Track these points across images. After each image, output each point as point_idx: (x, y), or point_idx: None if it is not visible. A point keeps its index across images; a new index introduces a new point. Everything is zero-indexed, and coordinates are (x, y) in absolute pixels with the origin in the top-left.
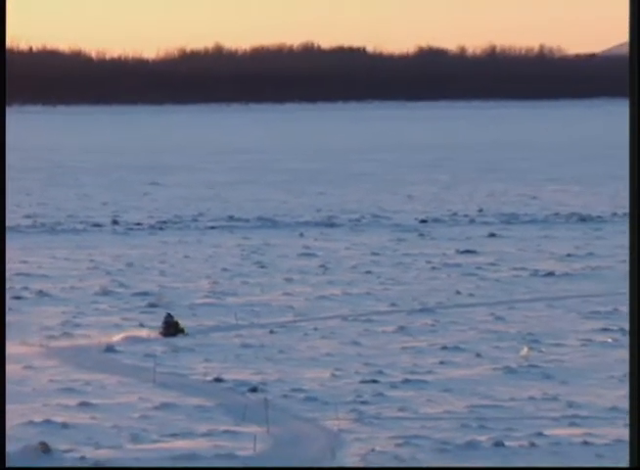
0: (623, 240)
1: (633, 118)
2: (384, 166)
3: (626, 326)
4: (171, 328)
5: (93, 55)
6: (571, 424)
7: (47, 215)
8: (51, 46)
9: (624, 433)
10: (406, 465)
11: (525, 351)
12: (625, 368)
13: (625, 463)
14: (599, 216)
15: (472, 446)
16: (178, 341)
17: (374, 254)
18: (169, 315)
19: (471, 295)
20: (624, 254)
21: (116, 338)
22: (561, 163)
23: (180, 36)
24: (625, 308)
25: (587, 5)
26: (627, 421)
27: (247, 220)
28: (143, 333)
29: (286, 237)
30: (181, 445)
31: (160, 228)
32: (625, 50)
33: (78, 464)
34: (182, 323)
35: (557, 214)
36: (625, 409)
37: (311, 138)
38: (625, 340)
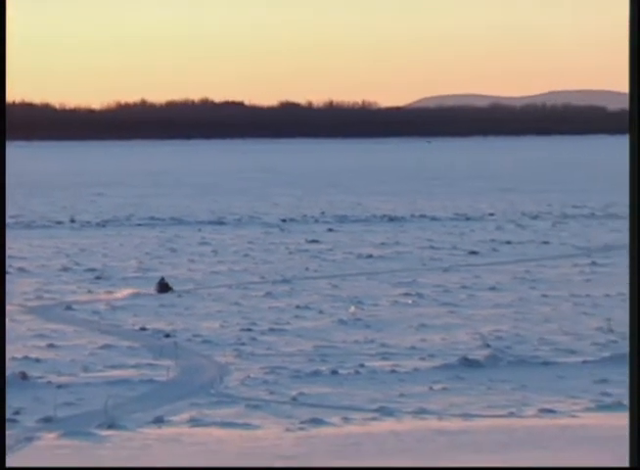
0: (419, 233)
1: (633, 124)
2: (257, 183)
3: (422, 291)
4: (163, 287)
5: (57, 106)
6: (383, 358)
7: (25, 216)
8: (27, 99)
9: (420, 364)
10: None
11: (352, 309)
12: (420, 320)
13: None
14: (402, 217)
15: (316, 373)
16: (117, 301)
17: (250, 242)
18: (163, 278)
19: (315, 271)
20: (420, 242)
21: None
22: (380, 181)
23: (116, 92)
24: (421, 279)
25: (396, 69)
26: (423, 356)
27: (163, 220)
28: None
29: (189, 231)
30: (117, 373)
31: (103, 225)
32: (422, 105)
33: (46, 387)
34: (120, 290)
35: (374, 216)
36: (421, 348)
37: (207, 163)
38: (420, 301)
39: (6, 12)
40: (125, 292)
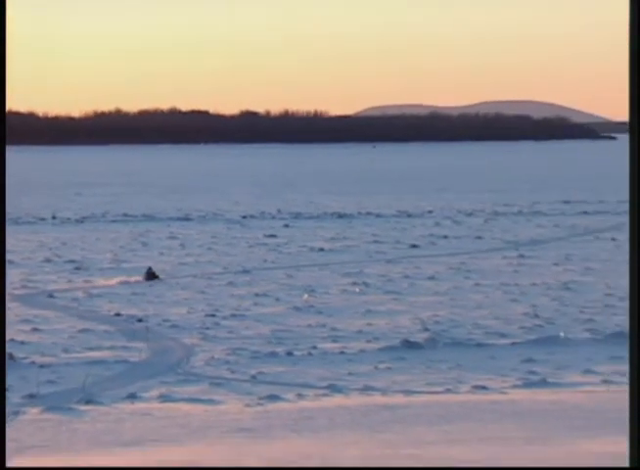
0: (366, 229)
1: (633, 125)
2: (219, 184)
3: (368, 281)
4: (151, 275)
5: (40, 114)
6: (333, 341)
7: (12, 213)
8: (14, 108)
9: (366, 346)
10: None
11: (305, 296)
12: (366, 307)
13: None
14: (351, 214)
15: (273, 354)
16: (94, 289)
17: (213, 237)
18: (150, 268)
19: (272, 262)
20: (366, 237)
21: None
22: (331, 182)
23: (93, 102)
24: (367, 270)
25: (344, 81)
26: (369, 339)
27: (135, 216)
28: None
29: (159, 227)
30: (94, 354)
31: (82, 222)
32: (368, 113)
33: (30, 367)
34: (97, 280)
35: (325, 213)
36: (367, 332)
37: (175, 166)
38: (367, 289)
39: (6, 12)
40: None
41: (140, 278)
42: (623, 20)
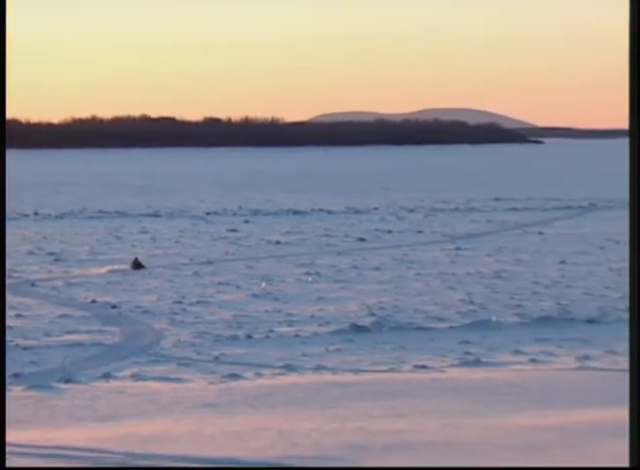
0: (318, 224)
1: (632, 125)
2: (186, 184)
3: (320, 271)
4: (137, 264)
5: (23, 120)
6: (289, 325)
7: None
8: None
9: (318, 329)
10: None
11: (263, 285)
12: (318, 294)
13: None
14: (304, 211)
15: (234, 337)
16: (72, 278)
17: (180, 231)
18: (137, 258)
19: (234, 254)
20: (318, 231)
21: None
22: (286, 182)
23: (71, 110)
24: (319, 261)
25: (298, 90)
26: (321, 323)
27: (109, 213)
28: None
29: (132, 222)
30: (73, 337)
31: (61, 218)
32: (321, 120)
33: (14, 349)
34: (77, 270)
35: (281, 210)
36: (319, 317)
37: (145, 168)
38: (318, 278)
39: (6, 12)
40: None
41: (127, 267)
42: (554, 31)
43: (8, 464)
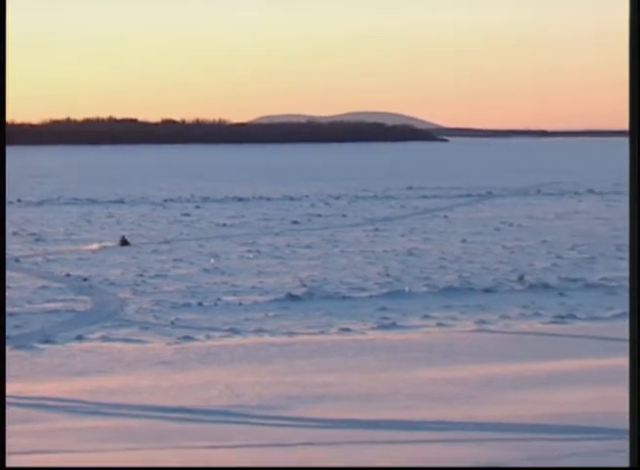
0: (258, 209)
1: (633, 123)
2: (146, 175)
3: (260, 249)
4: (124, 242)
5: (8, 121)
6: (234, 294)
7: None
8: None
9: (259, 298)
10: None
11: (212, 261)
12: (259, 269)
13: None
14: (247, 198)
15: (187, 305)
16: (50, 255)
17: (141, 216)
18: (123, 237)
19: (187, 235)
20: (259, 215)
21: (93, 247)
22: (231, 173)
23: (48, 112)
24: (259, 241)
25: (241, 94)
26: (261, 293)
27: (81, 200)
28: (109, 244)
29: (100, 208)
30: (51, 305)
31: (41, 204)
32: (260, 121)
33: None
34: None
35: (227, 197)
36: (264, 290)
37: (112, 162)
38: (259, 255)
39: (6, 12)
40: (94, 246)
41: (114, 244)
42: (464, 38)
43: (8, 464)
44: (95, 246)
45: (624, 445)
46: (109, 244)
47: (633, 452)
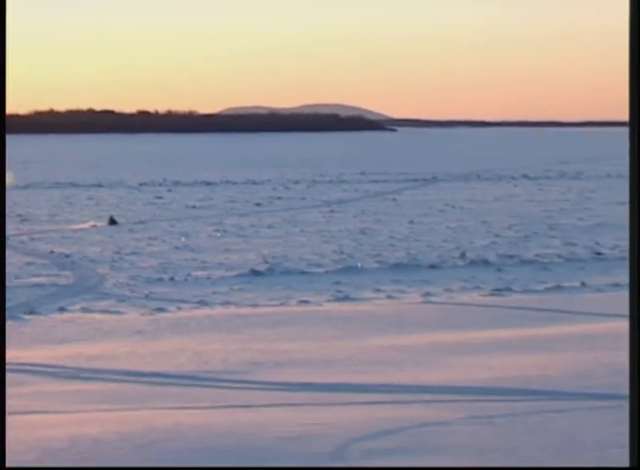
0: (225, 193)
1: (633, 121)
2: (122, 161)
3: (226, 228)
4: (112, 221)
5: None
6: (202, 270)
7: None
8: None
9: (225, 273)
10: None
11: (182, 239)
12: (225, 246)
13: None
14: (215, 182)
15: (160, 279)
16: (34, 234)
17: (119, 198)
18: (112, 216)
19: (160, 216)
20: (225, 198)
21: (102, 224)
22: (200, 160)
23: (34, 103)
24: (226, 221)
25: (210, 85)
26: (227, 268)
27: (63, 184)
28: (101, 223)
29: (81, 192)
30: (36, 280)
31: (27, 188)
32: (227, 112)
33: None
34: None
35: (196, 181)
36: (230, 266)
37: (91, 150)
38: (225, 234)
39: (6, 12)
40: (103, 222)
41: (104, 224)
42: (413, 33)
43: (8, 464)
44: (87, 225)
45: (557, 404)
46: (100, 223)
47: (633, 452)
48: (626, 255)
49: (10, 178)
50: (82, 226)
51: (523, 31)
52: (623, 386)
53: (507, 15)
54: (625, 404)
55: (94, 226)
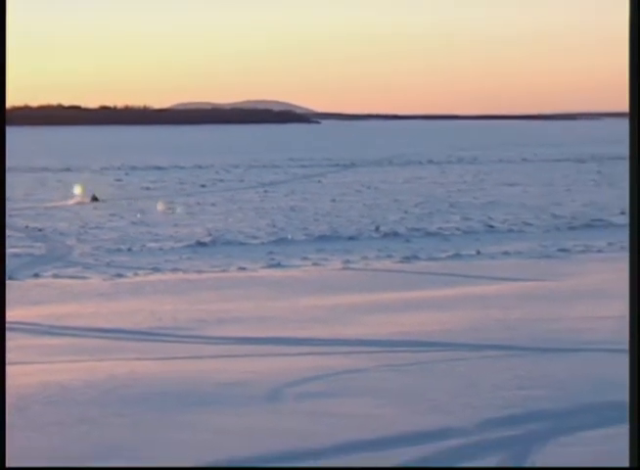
0: (176, 176)
1: (633, 119)
2: (85, 150)
3: (176, 207)
4: (94, 198)
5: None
6: (155, 241)
7: None
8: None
9: (175, 244)
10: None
11: (138, 215)
12: (175, 222)
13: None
14: (166, 167)
15: (119, 249)
16: (18, 211)
17: (83, 181)
18: (94, 194)
19: (119, 195)
20: (176, 181)
21: (70, 202)
22: (153, 148)
23: (18, 100)
24: (176, 200)
25: (162, 83)
26: (177, 240)
27: (36, 168)
28: (86, 200)
29: (52, 175)
30: (13, 251)
31: (8, 171)
32: (177, 107)
33: None
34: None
35: (149, 166)
36: (175, 236)
37: (70, 141)
38: (176, 212)
39: (6, 12)
40: (71, 201)
41: (87, 200)
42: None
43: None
44: (72, 201)
45: (457, 354)
46: (85, 199)
47: (633, 452)
48: (514, 227)
49: None
50: (72, 202)
51: (424, 32)
52: (513, 338)
53: (411, 18)
54: (514, 354)
55: (79, 202)
